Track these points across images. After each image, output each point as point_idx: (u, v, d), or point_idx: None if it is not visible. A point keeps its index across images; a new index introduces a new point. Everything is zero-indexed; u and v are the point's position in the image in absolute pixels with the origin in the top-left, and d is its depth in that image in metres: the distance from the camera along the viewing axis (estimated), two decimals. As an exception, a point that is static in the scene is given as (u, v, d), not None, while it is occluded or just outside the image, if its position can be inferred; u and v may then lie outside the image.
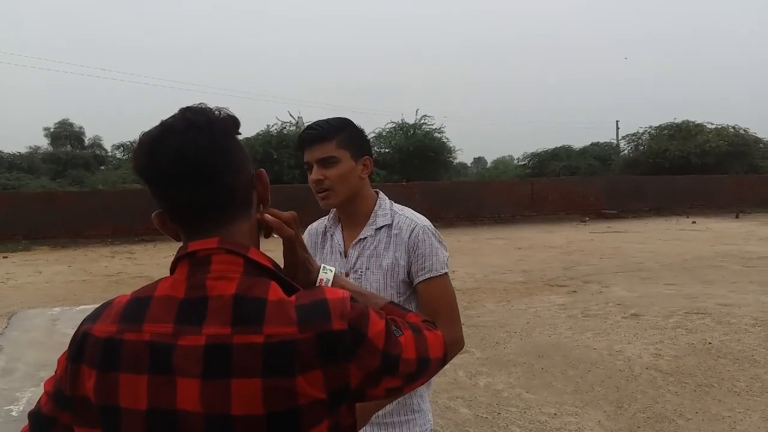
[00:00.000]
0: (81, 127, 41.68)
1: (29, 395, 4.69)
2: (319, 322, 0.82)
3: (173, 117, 0.88)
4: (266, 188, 0.96)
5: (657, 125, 31.87)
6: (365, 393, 0.87)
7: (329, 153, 1.62)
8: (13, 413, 4.38)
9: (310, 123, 1.70)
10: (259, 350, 0.80)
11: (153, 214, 0.92)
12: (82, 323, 0.90)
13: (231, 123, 0.91)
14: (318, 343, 0.81)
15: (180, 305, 0.84)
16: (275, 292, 0.85)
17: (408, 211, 1.76)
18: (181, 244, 0.91)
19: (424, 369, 0.95)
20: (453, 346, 1.59)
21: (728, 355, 5.24)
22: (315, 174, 1.64)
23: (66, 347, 0.92)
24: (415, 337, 0.94)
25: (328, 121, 1.67)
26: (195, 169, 0.85)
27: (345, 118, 1.71)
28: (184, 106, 0.91)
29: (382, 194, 1.78)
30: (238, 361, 0.79)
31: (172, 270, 0.89)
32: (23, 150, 36.49)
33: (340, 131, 1.65)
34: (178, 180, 0.86)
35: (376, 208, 1.73)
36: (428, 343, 0.96)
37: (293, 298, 0.85)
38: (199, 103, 0.91)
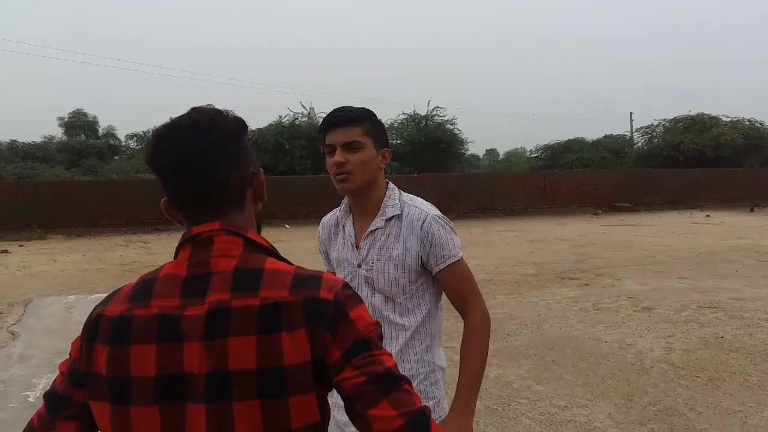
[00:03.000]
0: (95, 117, 42.05)
1: (45, 381, 4.76)
2: (308, 290, 0.90)
3: (181, 115, 0.97)
4: (262, 186, 1.04)
5: (671, 118, 31.51)
6: (333, 380, 0.88)
7: (355, 137, 1.64)
8: (30, 399, 4.45)
9: (329, 110, 1.71)
10: (255, 311, 0.88)
11: (161, 201, 1.01)
12: (95, 308, 0.97)
13: (234, 124, 0.99)
14: (304, 306, 0.88)
15: (184, 281, 0.92)
16: (272, 263, 0.94)
17: (418, 201, 1.78)
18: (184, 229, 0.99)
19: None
20: (486, 317, 1.77)
21: (740, 349, 5.22)
22: (338, 156, 1.64)
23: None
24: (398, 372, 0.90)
25: (354, 108, 1.69)
26: (190, 162, 0.94)
27: (369, 109, 1.73)
28: (194, 105, 0.99)
29: (391, 185, 1.79)
30: (235, 322, 0.87)
31: (176, 254, 0.96)
32: (38, 139, 36.84)
33: (366, 119, 1.68)
34: (177, 171, 0.95)
35: (385, 198, 1.75)
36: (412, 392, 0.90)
37: (293, 267, 0.93)
38: (208, 104, 0.99)
